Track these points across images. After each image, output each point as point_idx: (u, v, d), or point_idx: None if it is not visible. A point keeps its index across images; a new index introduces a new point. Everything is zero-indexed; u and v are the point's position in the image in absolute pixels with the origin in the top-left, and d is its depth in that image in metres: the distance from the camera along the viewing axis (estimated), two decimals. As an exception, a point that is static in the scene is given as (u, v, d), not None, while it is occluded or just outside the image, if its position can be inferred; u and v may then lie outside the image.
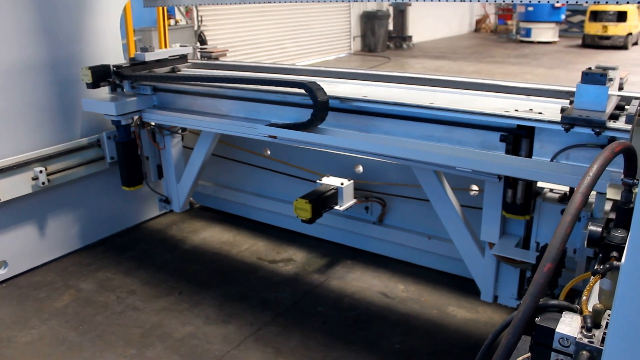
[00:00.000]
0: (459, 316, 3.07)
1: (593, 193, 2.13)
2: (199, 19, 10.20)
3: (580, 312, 1.28)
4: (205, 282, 3.47)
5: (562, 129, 2.12)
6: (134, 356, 2.79)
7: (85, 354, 2.82)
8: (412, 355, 2.77)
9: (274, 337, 2.91)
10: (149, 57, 3.63)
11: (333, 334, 2.93)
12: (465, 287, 3.26)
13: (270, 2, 3.40)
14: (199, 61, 4.01)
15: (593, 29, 16.01)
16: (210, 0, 3.67)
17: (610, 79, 2.16)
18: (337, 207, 3.22)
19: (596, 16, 16.01)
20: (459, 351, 2.80)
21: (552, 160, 2.28)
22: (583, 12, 17.65)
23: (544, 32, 17.05)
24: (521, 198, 2.53)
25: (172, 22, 9.10)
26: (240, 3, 3.54)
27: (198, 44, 8.55)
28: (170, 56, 3.79)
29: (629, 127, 2.05)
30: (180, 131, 3.85)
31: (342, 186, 3.19)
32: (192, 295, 3.32)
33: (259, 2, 3.44)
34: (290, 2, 3.35)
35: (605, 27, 15.69)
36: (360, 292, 3.31)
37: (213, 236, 4.11)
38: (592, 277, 1.39)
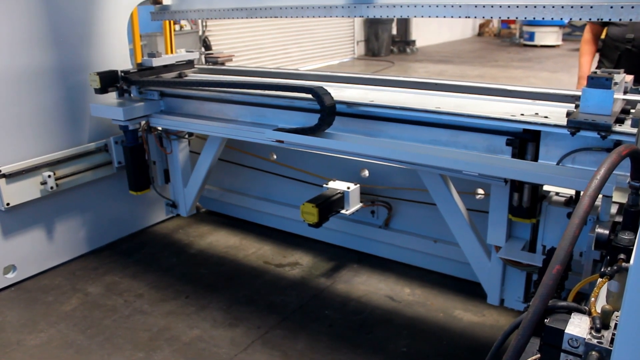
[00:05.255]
0: (465, 319, 3.08)
1: (599, 196, 2.14)
2: (204, 24, 10.26)
3: (589, 314, 1.29)
4: (211, 285, 3.49)
5: (568, 132, 2.14)
6: (141, 359, 2.81)
7: (94, 357, 2.84)
8: (419, 359, 2.78)
9: (281, 341, 2.92)
10: (156, 62, 3.67)
11: (339, 338, 2.94)
12: (471, 290, 3.27)
13: (276, 17, 3.44)
14: (206, 66, 4.04)
15: (596, 32, 15.97)
16: (216, 15, 3.70)
17: (616, 83, 2.18)
18: (343, 211, 3.23)
19: (599, 20, 15.96)
20: (466, 354, 2.81)
21: (558, 164, 2.29)
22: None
23: (547, 35, 17.03)
24: (527, 201, 2.54)
25: (177, 27, 9.16)
26: (245, 17, 3.57)
27: (203, 49, 8.61)
28: (177, 61, 3.83)
29: (635, 130, 2.06)
30: (187, 136, 3.87)
31: (349, 190, 3.20)
32: (199, 298, 3.33)
33: (264, 17, 3.48)
34: (295, 17, 3.37)
35: (608, 31, 15.65)
36: (367, 296, 3.32)
37: (219, 240, 4.13)
38: (599, 279, 1.40)
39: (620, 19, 2.35)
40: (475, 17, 2.73)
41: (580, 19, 2.47)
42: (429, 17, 2.82)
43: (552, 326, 1.27)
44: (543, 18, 2.54)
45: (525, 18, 2.60)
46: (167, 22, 5.60)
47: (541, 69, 12.76)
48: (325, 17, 3.19)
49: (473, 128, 2.52)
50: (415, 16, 2.91)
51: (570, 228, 1.23)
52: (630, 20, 2.35)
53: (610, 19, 2.37)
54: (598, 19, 2.40)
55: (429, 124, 2.63)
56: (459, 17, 2.73)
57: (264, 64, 11.69)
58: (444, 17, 2.78)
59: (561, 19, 2.49)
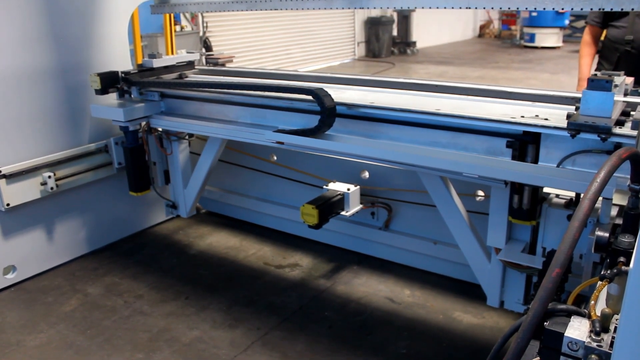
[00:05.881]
0: (465, 321, 3.07)
1: (599, 199, 2.14)
2: (204, 25, 10.26)
3: (589, 317, 1.29)
4: (211, 286, 3.49)
5: (568, 135, 2.14)
6: (141, 360, 2.81)
7: (93, 357, 2.83)
8: (419, 360, 2.78)
9: (281, 342, 2.92)
10: (157, 63, 3.67)
11: (339, 339, 2.94)
12: (471, 292, 3.27)
13: (276, 9, 3.42)
14: (206, 67, 4.04)
15: (597, 34, 15.95)
16: (215, 7, 3.68)
17: (616, 85, 2.17)
18: (343, 213, 3.23)
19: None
20: (465, 356, 2.80)
21: (558, 166, 2.29)
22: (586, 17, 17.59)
23: (548, 37, 17.02)
24: (527, 204, 2.54)
25: (177, 28, 9.15)
26: (245, 10, 3.55)
27: (203, 50, 8.60)
28: (177, 62, 3.83)
29: (635, 132, 2.06)
30: (187, 137, 3.87)
31: (349, 192, 3.21)
32: (198, 299, 3.33)
33: (264, 9, 3.45)
34: (295, 9, 3.34)
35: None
36: (366, 297, 3.32)
37: (219, 241, 4.13)
38: (599, 282, 1.40)
39: (622, 9, 2.33)
40: (477, 8, 2.67)
41: (581, 9, 2.42)
42: (430, 7, 2.76)
43: (551, 329, 1.27)
44: (544, 8, 2.50)
45: (527, 8, 2.54)
46: (168, 22, 5.60)
47: (542, 71, 12.76)
48: (325, 8, 3.14)
49: (473, 130, 2.52)
50: (415, 7, 2.87)
51: (570, 231, 1.23)
52: (632, 9, 2.33)
53: (611, 9, 2.35)
54: (599, 9, 2.37)
55: (429, 125, 2.63)
56: (460, 7, 2.68)
57: (266, 65, 11.69)
58: (445, 7, 2.73)
59: (562, 9, 2.45)
